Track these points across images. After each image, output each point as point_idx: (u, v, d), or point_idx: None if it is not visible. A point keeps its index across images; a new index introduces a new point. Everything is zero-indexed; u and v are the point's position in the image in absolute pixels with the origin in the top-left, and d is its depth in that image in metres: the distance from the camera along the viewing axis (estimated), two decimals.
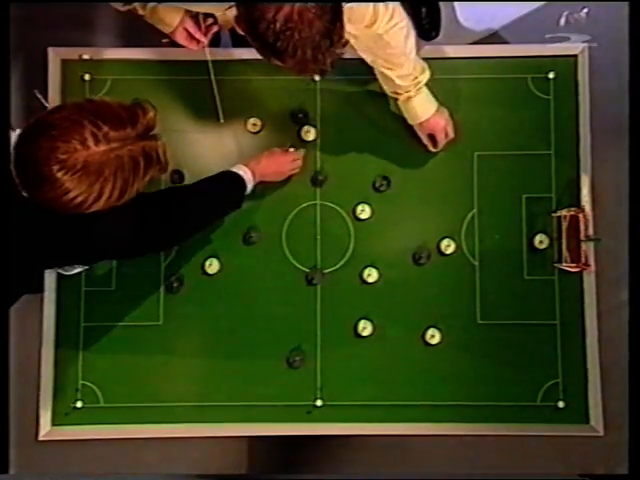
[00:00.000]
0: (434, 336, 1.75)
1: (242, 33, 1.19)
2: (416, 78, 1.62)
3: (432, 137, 1.74)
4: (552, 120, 1.81)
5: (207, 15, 1.65)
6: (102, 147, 1.07)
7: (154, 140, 1.14)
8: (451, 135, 1.74)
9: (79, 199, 1.08)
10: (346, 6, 1.19)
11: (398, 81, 1.61)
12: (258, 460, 1.78)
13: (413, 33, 1.58)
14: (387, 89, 1.68)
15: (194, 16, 1.64)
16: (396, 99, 1.68)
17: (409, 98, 1.65)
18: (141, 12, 1.56)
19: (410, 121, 1.72)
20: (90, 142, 1.06)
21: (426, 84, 1.65)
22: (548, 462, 1.76)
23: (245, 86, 1.79)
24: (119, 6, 1.50)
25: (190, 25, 1.64)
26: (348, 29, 1.23)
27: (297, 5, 1.09)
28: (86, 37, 1.84)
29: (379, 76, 1.66)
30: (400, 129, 1.77)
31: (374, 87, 1.75)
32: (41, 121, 1.10)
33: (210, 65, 1.75)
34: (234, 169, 1.63)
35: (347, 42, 1.20)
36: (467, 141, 1.80)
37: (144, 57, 1.81)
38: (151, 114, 1.14)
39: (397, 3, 1.47)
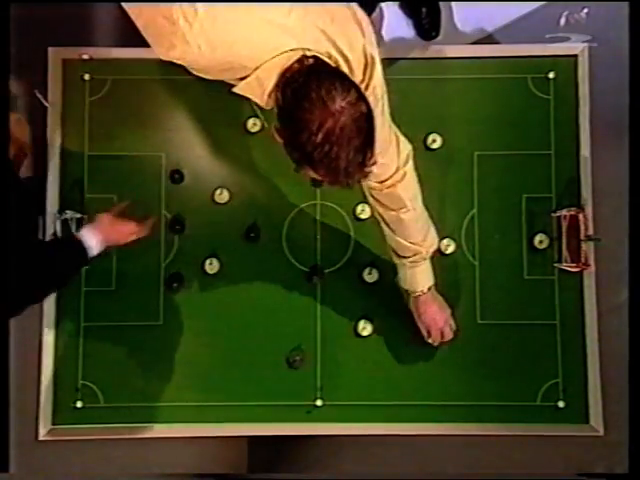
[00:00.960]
0: None
1: (279, 140, 1.21)
2: (419, 251, 1.54)
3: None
4: (552, 120, 1.81)
5: None
6: None
7: None
8: (447, 337, 1.66)
9: None
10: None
11: (399, 241, 1.53)
12: (258, 460, 1.78)
13: (420, 201, 1.53)
14: (388, 239, 1.57)
15: None
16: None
17: (403, 265, 1.58)
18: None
19: (400, 283, 1.63)
20: None
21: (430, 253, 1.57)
22: (548, 462, 1.76)
23: None
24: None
25: None
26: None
27: (340, 121, 1.12)
28: (86, 37, 1.84)
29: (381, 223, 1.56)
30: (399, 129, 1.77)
31: None
32: None
33: None
34: (79, 234, 1.51)
35: (375, 163, 1.22)
36: (467, 141, 1.80)
37: (144, 57, 1.81)
38: None
39: (409, 150, 1.46)
